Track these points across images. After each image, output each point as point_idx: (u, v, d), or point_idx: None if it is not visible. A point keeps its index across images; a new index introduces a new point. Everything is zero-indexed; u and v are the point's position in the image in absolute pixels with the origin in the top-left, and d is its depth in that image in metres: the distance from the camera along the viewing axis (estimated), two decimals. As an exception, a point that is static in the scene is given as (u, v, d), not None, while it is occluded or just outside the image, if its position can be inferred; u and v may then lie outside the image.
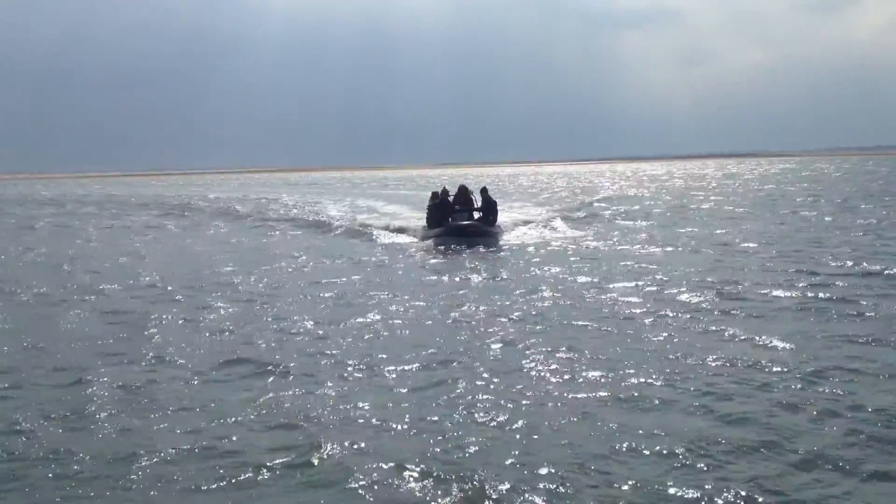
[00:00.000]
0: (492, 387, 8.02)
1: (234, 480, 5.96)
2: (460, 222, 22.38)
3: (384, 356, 9.31)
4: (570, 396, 7.66)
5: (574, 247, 20.35)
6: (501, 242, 21.83)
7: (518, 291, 13.64)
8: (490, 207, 23.50)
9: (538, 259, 18.05)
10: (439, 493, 5.67)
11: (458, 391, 7.89)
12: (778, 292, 12.59)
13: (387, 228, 26.58)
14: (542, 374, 8.47)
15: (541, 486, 5.71)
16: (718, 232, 23.14)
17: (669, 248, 19.35)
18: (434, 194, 24.33)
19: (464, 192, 24.15)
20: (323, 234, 27.25)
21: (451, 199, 23.85)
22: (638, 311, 11.57)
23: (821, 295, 12.30)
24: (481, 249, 20.26)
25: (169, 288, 15.03)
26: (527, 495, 5.55)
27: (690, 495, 5.53)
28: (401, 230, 25.98)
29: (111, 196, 69.78)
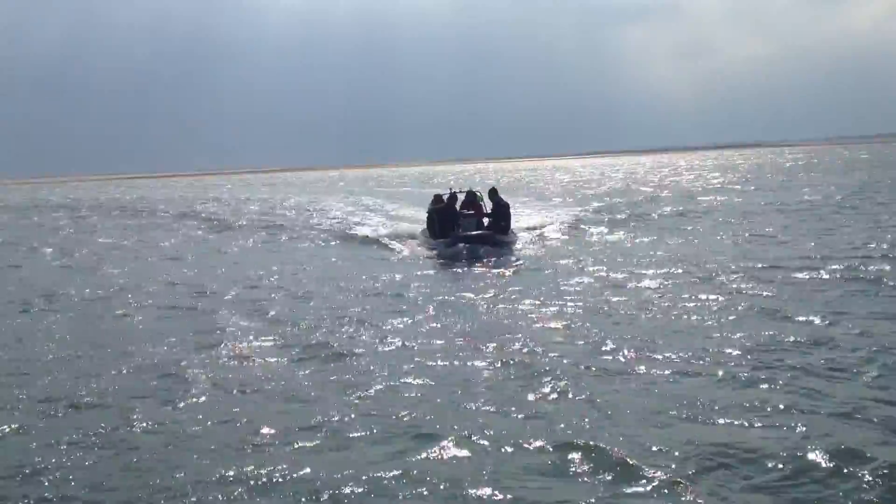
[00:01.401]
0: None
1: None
2: (468, 232, 19.38)
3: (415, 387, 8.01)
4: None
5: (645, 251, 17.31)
6: (517, 252, 18.79)
7: (543, 310, 11.00)
8: (501, 211, 20.46)
9: (568, 271, 15.03)
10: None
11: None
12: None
13: (387, 237, 23.55)
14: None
15: None
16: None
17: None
18: (437, 197, 21.32)
19: (471, 196, 21.22)
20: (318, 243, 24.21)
21: (457, 202, 20.86)
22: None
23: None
24: (493, 263, 17.31)
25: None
26: None
27: None
28: (401, 238, 23.01)
29: (141, 199, 65.01)
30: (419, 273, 16.49)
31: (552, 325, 10.69)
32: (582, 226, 24.56)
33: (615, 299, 12.17)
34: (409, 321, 11.29)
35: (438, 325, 11.00)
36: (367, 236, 24.56)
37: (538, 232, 22.76)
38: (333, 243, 23.63)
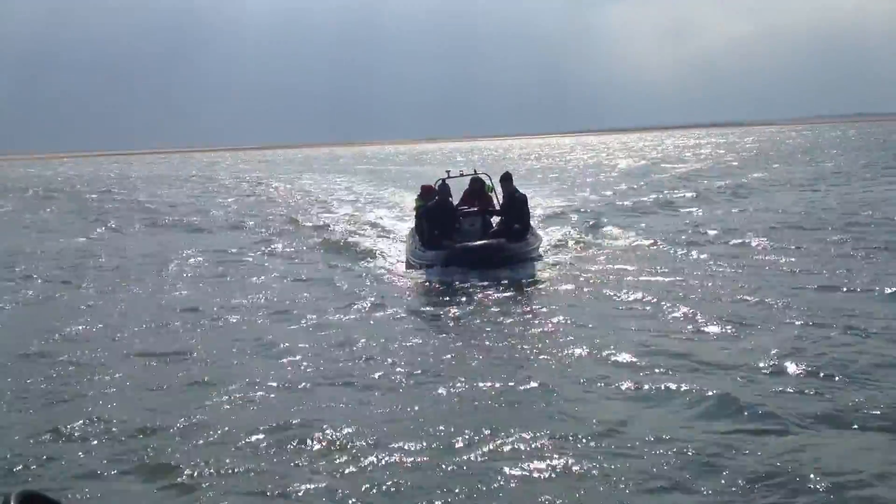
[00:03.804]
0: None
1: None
2: (469, 241, 13.57)
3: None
4: None
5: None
6: (540, 269, 13.15)
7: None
8: (516, 207, 14.63)
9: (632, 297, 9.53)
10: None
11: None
12: None
13: (359, 244, 17.93)
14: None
15: None
16: None
17: None
18: (426, 189, 15.58)
19: (476, 184, 15.44)
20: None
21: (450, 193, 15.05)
22: None
23: None
24: (507, 287, 11.79)
25: None
26: None
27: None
28: (378, 241, 17.49)
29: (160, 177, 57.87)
30: (393, 310, 10.83)
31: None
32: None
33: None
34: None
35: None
36: (335, 241, 18.97)
37: (560, 235, 17.14)
38: (286, 250, 17.90)
